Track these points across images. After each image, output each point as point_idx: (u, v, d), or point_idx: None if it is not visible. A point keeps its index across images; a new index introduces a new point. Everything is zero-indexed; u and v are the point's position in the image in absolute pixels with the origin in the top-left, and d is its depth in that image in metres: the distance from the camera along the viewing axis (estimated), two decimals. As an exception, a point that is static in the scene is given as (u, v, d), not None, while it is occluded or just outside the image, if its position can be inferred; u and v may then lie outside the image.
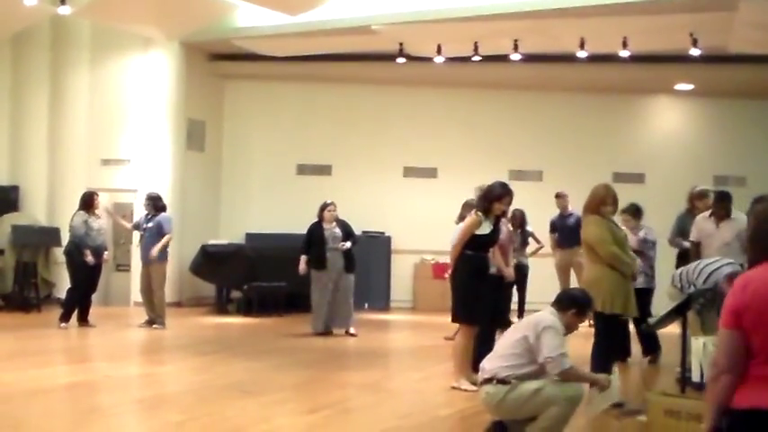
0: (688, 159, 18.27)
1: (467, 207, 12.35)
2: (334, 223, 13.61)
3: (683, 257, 10.92)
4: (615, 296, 7.85)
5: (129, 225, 14.89)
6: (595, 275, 7.88)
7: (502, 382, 6.29)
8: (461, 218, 12.26)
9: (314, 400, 8.33)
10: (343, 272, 13.51)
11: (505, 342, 6.52)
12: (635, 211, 11.09)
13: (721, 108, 18.63)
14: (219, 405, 8.01)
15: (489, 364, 6.46)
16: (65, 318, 13.63)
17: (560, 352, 6.23)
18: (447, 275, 9.34)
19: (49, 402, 8.40)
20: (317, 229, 13.53)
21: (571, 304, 6.57)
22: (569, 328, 6.53)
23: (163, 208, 14.24)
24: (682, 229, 11.08)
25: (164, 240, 13.90)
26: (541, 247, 14.72)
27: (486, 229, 8.91)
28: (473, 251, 8.93)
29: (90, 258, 13.66)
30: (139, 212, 15.93)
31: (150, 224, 14.05)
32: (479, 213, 8.91)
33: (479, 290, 8.89)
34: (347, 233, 13.68)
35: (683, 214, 11.52)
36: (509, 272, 10.40)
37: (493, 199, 8.96)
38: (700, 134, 18.82)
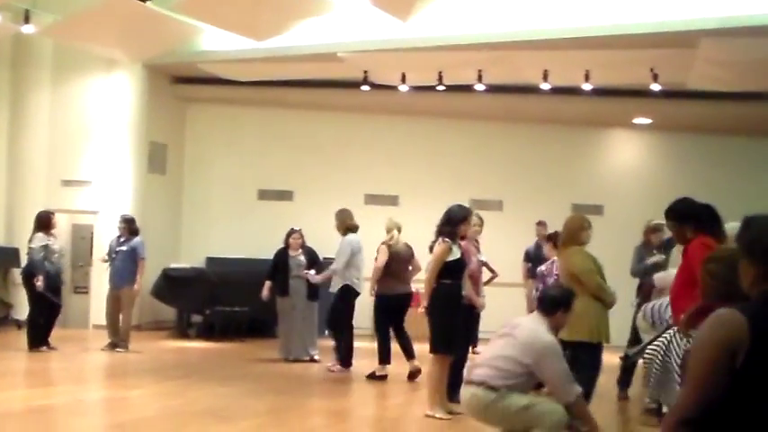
0: (646, 192, 18.55)
1: (340, 216, 13.02)
2: (300, 251, 13.68)
3: (642, 287, 11.14)
4: (601, 326, 7.98)
5: (106, 258, 14.45)
6: (582, 307, 7.86)
7: (491, 388, 6.37)
8: (339, 227, 12.93)
9: (290, 428, 8.33)
10: (306, 300, 13.56)
11: (495, 353, 6.57)
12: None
13: (678, 142, 18.98)
14: (199, 430, 8.00)
15: (479, 371, 6.53)
16: (34, 344, 13.28)
17: (570, 380, 6.37)
18: (422, 309, 9.28)
19: (25, 426, 8.30)
20: (282, 256, 13.59)
21: (557, 305, 6.66)
22: (557, 329, 6.66)
23: (137, 231, 14.18)
24: (640, 261, 11.32)
25: (141, 268, 13.89)
26: (495, 277, 14.73)
27: (456, 254, 9.01)
28: (447, 279, 8.99)
29: (40, 284, 13.24)
30: (101, 235, 15.83)
31: (124, 247, 13.94)
32: (447, 240, 8.98)
33: (455, 319, 8.97)
34: (312, 261, 13.75)
35: (639, 247, 11.77)
36: (480, 302, 10.47)
37: (458, 222, 9.10)
38: (657, 167, 19.16)
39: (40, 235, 13.59)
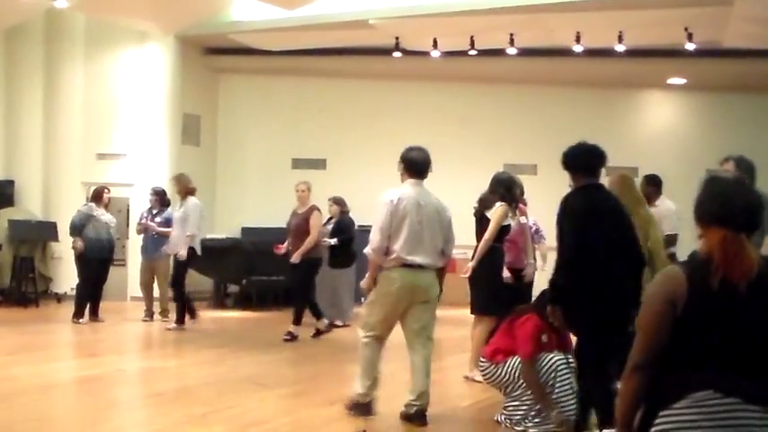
0: (681, 153, 18.42)
1: (182, 180, 13.22)
2: (332, 220, 13.86)
3: None
4: None
5: (138, 228, 14.55)
6: None
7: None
8: (181, 191, 13.13)
9: (331, 393, 8.35)
10: (328, 267, 13.63)
11: (429, 238, 7.06)
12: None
13: (714, 102, 18.80)
14: (239, 398, 8.07)
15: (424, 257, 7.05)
16: (78, 314, 13.49)
17: None
18: (468, 271, 9.23)
19: (68, 396, 8.45)
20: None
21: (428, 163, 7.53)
22: None
23: (168, 203, 14.31)
24: None
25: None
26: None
27: (509, 219, 9.09)
28: (495, 242, 9.05)
29: (79, 244, 13.55)
30: (136, 207, 15.95)
31: (159, 219, 14.05)
32: (504, 204, 9.06)
33: (499, 280, 8.98)
34: (338, 230, 13.77)
35: None
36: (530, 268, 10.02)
37: (513, 187, 9.19)
38: (692, 128, 18.99)
39: (90, 204, 13.94)
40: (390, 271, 6.99)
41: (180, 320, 13.09)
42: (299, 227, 12.33)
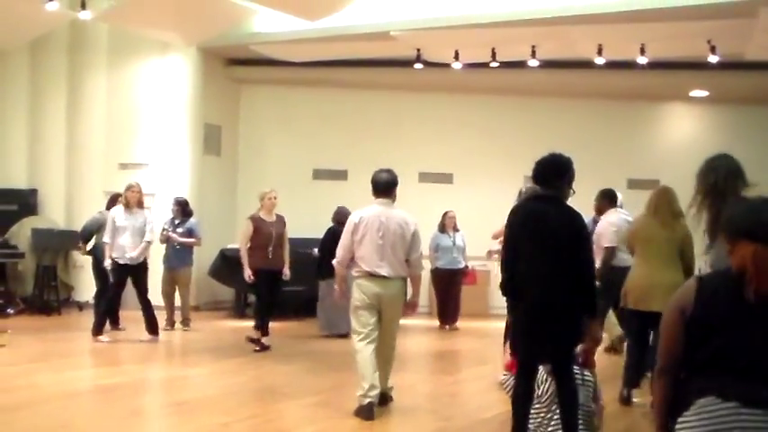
0: (703, 166, 18.33)
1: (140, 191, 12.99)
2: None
3: None
4: None
5: (161, 237, 14.54)
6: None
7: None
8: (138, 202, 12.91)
9: (352, 403, 8.33)
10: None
11: (389, 252, 7.94)
12: None
13: (736, 115, 18.72)
14: (261, 407, 8.11)
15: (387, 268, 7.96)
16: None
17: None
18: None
19: (90, 404, 8.50)
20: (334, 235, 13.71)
21: (395, 183, 8.20)
22: None
23: (191, 213, 14.36)
24: None
25: (193, 242, 14.27)
26: None
27: None
28: None
29: (84, 249, 13.92)
30: (157, 216, 15.96)
31: (180, 229, 14.10)
32: None
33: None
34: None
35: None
36: None
37: None
38: (714, 141, 18.84)
39: (105, 212, 13.85)
40: (359, 279, 8.03)
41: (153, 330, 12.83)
42: (281, 237, 12.34)
